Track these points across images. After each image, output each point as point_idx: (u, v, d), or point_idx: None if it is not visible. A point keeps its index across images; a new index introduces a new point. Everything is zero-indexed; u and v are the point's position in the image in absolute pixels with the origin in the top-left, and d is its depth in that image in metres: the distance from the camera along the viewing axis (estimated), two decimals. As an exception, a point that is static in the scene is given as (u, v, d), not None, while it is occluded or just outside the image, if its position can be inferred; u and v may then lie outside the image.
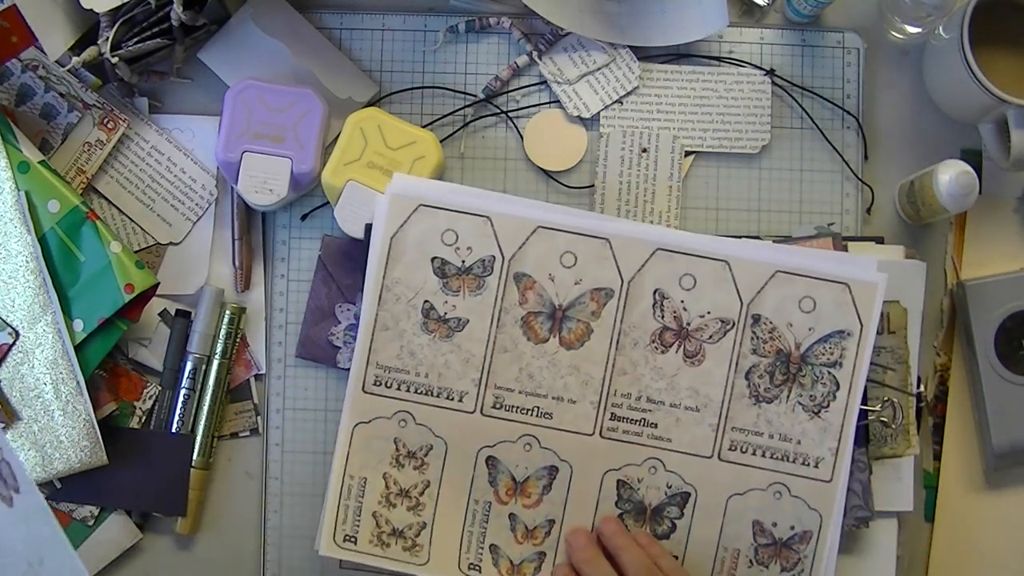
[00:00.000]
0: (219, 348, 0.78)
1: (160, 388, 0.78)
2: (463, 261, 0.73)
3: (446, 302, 0.73)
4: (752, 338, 0.72)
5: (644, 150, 0.80)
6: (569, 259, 0.73)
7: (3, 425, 0.73)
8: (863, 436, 0.75)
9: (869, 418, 0.75)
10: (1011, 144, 0.76)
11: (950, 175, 0.74)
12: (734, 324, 0.72)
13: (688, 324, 0.73)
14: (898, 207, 0.81)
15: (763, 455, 0.72)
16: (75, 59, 0.75)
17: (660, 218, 0.80)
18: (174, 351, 0.79)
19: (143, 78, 0.80)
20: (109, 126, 0.80)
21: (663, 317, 0.73)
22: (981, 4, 0.74)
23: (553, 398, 0.73)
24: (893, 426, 0.76)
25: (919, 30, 0.80)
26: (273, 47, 0.80)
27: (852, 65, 0.82)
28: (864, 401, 0.74)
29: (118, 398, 0.78)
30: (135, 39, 0.76)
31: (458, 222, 0.73)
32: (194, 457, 0.77)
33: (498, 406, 0.73)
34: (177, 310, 0.79)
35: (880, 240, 0.79)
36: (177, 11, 0.74)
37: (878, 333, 0.75)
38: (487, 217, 0.72)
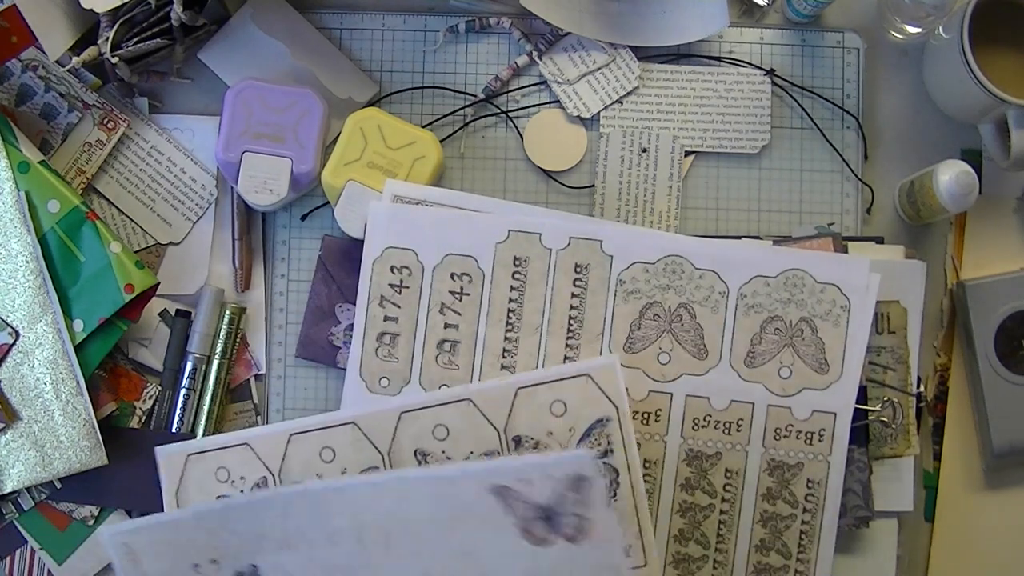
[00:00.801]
0: (219, 348, 0.78)
1: (160, 388, 0.78)
2: (241, 491, 0.73)
3: None
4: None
5: (644, 150, 0.80)
6: (328, 454, 0.72)
7: (3, 425, 0.73)
8: (863, 436, 0.75)
9: (869, 418, 0.75)
10: (1011, 144, 0.76)
11: (950, 175, 0.74)
12: (498, 454, 0.71)
13: None
14: (898, 207, 0.81)
15: None
16: (75, 59, 0.75)
17: (660, 218, 0.80)
18: (174, 351, 0.79)
19: (143, 78, 0.80)
20: (109, 126, 0.80)
21: None
22: (981, 4, 0.74)
23: None
24: (893, 426, 0.76)
25: (919, 30, 0.80)
26: (273, 47, 0.80)
27: (852, 65, 0.82)
28: (864, 401, 0.74)
29: (118, 398, 0.78)
30: (135, 39, 0.76)
31: (223, 457, 0.73)
32: (194, 457, 0.77)
33: None
34: (177, 310, 0.79)
35: (880, 240, 0.79)
36: (177, 11, 0.74)
37: (878, 333, 0.76)
38: (246, 444, 0.73)
